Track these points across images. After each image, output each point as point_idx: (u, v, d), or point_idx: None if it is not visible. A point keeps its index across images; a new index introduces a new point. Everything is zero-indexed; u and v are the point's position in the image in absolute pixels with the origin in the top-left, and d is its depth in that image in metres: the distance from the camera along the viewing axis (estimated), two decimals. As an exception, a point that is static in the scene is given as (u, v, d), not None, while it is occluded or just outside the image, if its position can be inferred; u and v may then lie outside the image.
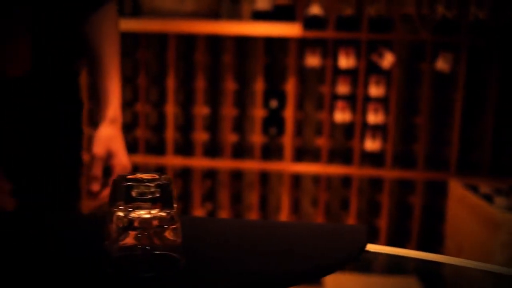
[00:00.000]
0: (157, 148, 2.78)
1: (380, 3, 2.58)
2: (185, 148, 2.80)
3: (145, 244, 0.63)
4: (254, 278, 0.63)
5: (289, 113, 2.64)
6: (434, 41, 2.54)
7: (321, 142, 2.69)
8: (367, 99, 2.62)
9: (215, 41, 2.75)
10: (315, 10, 2.58)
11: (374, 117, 2.60)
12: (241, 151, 2.81)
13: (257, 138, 2.70)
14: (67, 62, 0.94)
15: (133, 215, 0.62)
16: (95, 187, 0.92)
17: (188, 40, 2.74)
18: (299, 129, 2.78)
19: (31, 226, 0.79)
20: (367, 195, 2.80)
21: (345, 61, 2.58)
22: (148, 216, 0.62)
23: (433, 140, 2.70)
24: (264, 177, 2.83)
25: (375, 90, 2.59)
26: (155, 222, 0.63)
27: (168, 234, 0.64)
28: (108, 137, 0.95)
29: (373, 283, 2.34)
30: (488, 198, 2.21)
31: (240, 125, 2.82)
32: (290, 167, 2.67)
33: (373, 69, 2.59)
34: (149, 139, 2.78)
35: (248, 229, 0.79)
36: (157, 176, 0.65)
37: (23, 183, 0.90)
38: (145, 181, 0.63)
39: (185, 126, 2.81)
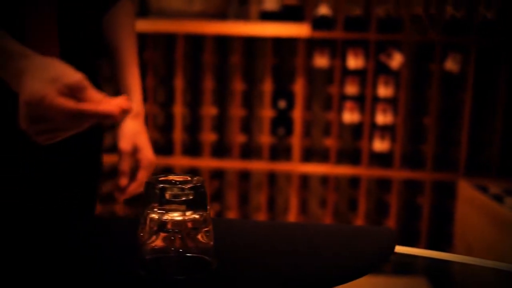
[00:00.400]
0: (165, 148, 2.78)
1: (389, 3, 2.57)
2: (192, 148, 2.79)
3: (178, 246, 0.62)
4: (286, 281, 0.62)
5: (297, 114, 2.64)
6: (443, 42, 2.54)
7: (330, 142, 2.68)
8: (376, 99, 2.61)
9: (223, 42, 2.75)
10: (323, 10, 2.57)
11: (382, 118, 2.60)
12: (249, 151, 2.81)
13: (265, 138, 2.69)
14: (91, 61, 0.94)
15: (166, 217, 0.62)
16: (123, 181, 0.92)
17: (196, 41, 2.74)
18: (307, 130, 2.77)
19: (65, 229, 0.79)
20: (375, 196, 2.80)
21: (353, 62, 2.57)
22: (181, 218, 0.62)
23: (441, 140, 2.69)
24: (272, 178, 2.82)
25: (384, 91, 2.58)
26: (189, 224, 0.62)
27: (201, 237, 0.63)
28: (133, 131, 0.95)
29: (382, 283, 2.34)
30: (498, 199, 2.21)
31: (248, 125, 2.81)
32: (298, 167, 2.67)
33: (382, 70, 2.58)
34: (156, 139, 2.78)
35: (276, 231, 0.79)
36: (189, 178, 0.64)
37: (43, 185, 0.90)
38: (178, 183, 0.63)
39: (193, 126, 2.81)
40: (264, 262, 0.67)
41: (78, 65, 0.68)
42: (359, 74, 2.61)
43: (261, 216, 2.76)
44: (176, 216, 0.62)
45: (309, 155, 2.79)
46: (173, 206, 0.62)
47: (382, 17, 2.56)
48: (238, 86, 2.67)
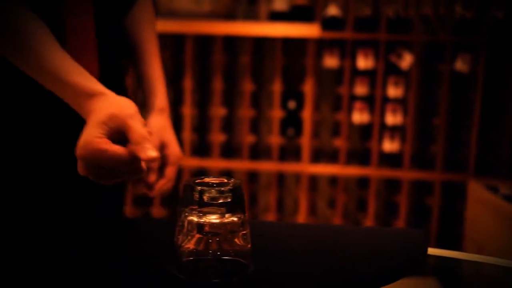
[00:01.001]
0: (174, 149, 2.77)
1: (398, 3, 2.57)
2: (201, 149, 2.79)
3: (215, 249, 0.62)
4: (323, 284, 0.62)
5: (307, 114, 2.63)
6: (452, 42, 2.53)
7: (339, 143, 2.68)
8: (386, 100, 2.61)
9: (232, 42, 2.74)
10: (333, 10, 2.57)
11: (392, 118, 2.59)
12: (258, 152, 2.80)
13: (274, 139, 2.69)
14: (120, 65, 0.94)
15: (204, 219, 0.61)
16: (152, 178, 0.92)
17: (205, 41, 2.73)
18: (316, 130, 2.77)
19: (96, 229, 0.78)
20: (384, 197, 2.79)
21: (363, 62, 2.57)
22: (219, 221, 0.61)
23: (451, 141, 2.69)
24: (281, 179, 2.82)
25: (394, 91, 2.58)
26: (226, 227, 0.62)
27: (238, 240, 0.63)
28: (159, 127, 0.95)
29: (390, 284, 2.33)
30: (509, 199, 2.20)
31: (257, 126, 2.81)
32: (307, 168, 2.66)
33: (392, 70, 2.58)
34: (165, 140, 2.77)
35: (306, 233, 0.79)
36: (226, 180, 0.64)
37: (71, 189, 0.89)
38: (215, 185, 0.62)
39: (202, 127, 2.80)
40: (300, 265, 0.66)
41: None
42: (368, 74, 2.60)
43: (270, 217, 2.75)
44: (214, 218, 0.61)
45: (318, 156, 2.78)
46: (211, 209, 0.61)
47: (392, 18, 2.55)
48: (247, 86, 2.66)
